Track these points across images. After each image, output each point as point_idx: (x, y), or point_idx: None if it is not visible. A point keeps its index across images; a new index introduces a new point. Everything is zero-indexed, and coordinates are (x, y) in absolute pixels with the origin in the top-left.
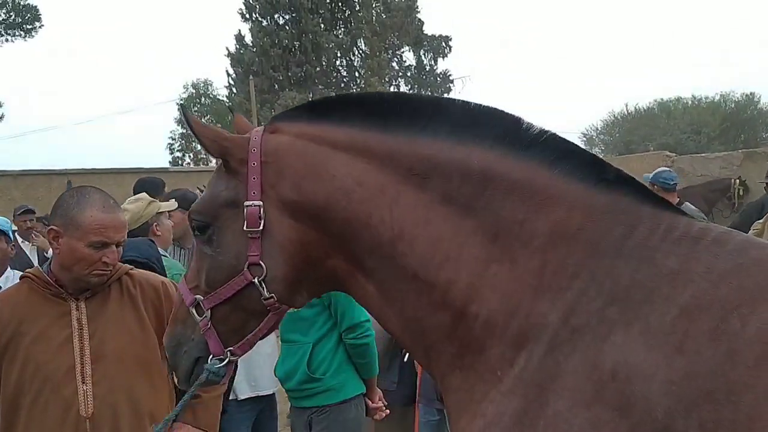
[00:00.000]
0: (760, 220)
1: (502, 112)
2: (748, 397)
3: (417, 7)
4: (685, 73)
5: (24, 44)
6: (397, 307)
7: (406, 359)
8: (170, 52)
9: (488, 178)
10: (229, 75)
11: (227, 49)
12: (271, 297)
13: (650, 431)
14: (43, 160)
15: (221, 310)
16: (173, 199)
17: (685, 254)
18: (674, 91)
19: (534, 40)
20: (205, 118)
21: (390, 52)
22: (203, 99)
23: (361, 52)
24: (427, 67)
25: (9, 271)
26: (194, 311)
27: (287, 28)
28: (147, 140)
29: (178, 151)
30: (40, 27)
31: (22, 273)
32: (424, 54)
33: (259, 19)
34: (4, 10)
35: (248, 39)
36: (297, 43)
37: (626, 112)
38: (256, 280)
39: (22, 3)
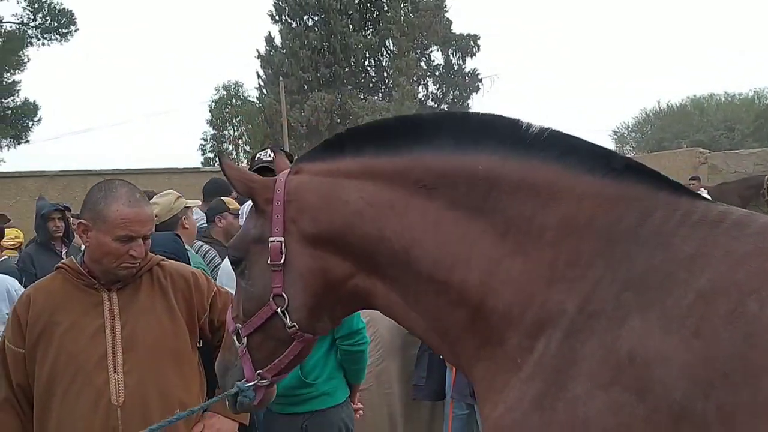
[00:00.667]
0: None
1: (501, 117)
2: (767, 380)
3: (445, 6)
4: (718, 70)
5: (60, 48)
6: (421, 310)
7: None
8: (203, 55)
9: (493, 181)
10: (259, 76)
11: (257, 51)
12: (294, 326)
13: (668, 414)
14: (79, 162)
15: (254, 338)
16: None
17: (702, 238)
18: (707, 87)
19: (562, 39)
20: (236, 120)
21: (418, 51)
22: (234, 101)
23: (389, 52)
24: (456, 67)
25: None
26: (235, 339)
27: (316, 29)
28: (180, 141)
29: (210, 152)
30: (75, 31)
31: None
32: (453, 53)
33: (289, 20)
34: (40, 15)
35: (278, 41)
36: (326, 44)
37: (658, 109)
38: (279, 310)
39: (57, 8)
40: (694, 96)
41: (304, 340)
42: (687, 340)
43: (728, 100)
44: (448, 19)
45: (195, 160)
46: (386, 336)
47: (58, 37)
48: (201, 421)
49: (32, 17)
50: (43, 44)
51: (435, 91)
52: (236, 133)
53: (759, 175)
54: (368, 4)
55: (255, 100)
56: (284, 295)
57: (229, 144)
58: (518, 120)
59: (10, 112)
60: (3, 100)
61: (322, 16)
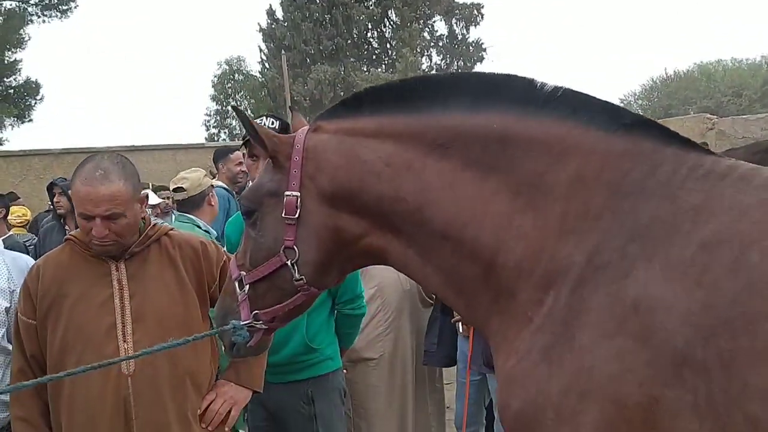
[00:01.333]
0: None
1: (516, 77)
2: (766, 327)
3: None
4: (723, 41)
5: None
6: (436, 265)
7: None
8: (204, 30)
9: (507, 139)
10: (261, 50)
11: (259, 24)
12: (301, 278)
13: (670, 360)
14: (83, 139)
15: (258, 287)
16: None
17: (708, 191)
18: (714, 53)
19: (571, 8)
20: (239, 95)
21: (421, 21)
22: (236, 75)
23: (392, 23)
24: (459, 37)
25: None
26: (237, 285)
27: (317, 1)
28: (183, 117)
29: (213, 127)
30: (75, 7)
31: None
32: (456, 23)
33: None
34: None
35: (279, 14)
36: (327, 16)
37: (665, 76)
38: (289, 262)
39: None
40: (701, 62)
41: (309, 293)
42: (689, 289)
43: (736, 66)
44: None
45: (199, 136)
46: (394, 304)
47: (58, 13)
48: (214, 389)
49: None
50: (44, 21)
51: (439, 62)
52: (240, 108)
53: (767, 140)
54: None
55: (257, 74)
56: (295, 248)
57: (233, 119)
58: (533, 79)
59: (12, 91)
60: (5, 80)
61: None
